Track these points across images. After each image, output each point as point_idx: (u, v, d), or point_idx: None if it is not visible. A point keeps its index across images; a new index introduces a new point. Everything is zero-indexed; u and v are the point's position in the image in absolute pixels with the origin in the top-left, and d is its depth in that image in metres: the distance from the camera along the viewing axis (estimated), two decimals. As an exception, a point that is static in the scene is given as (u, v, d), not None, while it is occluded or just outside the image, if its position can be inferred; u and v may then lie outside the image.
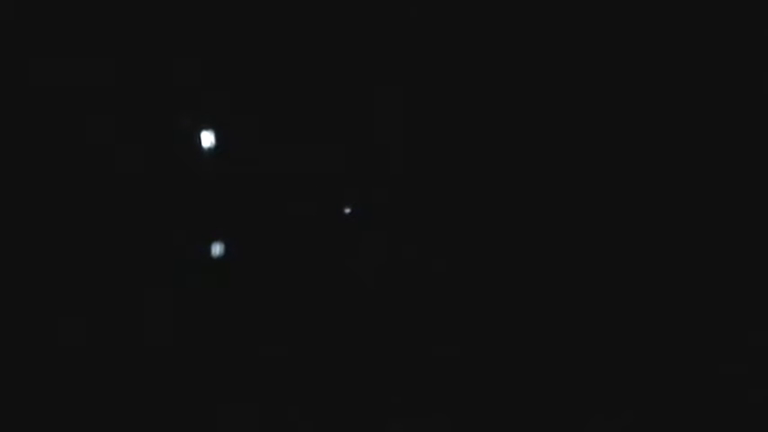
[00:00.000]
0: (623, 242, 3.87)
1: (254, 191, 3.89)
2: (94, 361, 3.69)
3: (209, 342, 3.78)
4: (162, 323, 3.76)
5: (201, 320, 3.80)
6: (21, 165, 3.74)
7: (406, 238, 3.90)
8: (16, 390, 3.63)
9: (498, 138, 3.94)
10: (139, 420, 3.66)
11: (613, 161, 3.90)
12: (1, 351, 3.66)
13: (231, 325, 3.81)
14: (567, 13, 3.91)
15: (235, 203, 3.89)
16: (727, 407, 3.67)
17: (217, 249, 3.84)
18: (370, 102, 3.94)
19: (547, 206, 3.91)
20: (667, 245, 3.85)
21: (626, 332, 3.80)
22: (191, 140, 3.85)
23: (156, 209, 3.81)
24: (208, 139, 3.86)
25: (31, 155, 3.75)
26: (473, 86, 3.94)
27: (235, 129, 3.89)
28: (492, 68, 3.94)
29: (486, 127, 3.94)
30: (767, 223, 3.83)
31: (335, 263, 3.89)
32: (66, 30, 3.77)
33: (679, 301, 3.81)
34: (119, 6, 3.78)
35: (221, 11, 3.85)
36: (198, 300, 3.81)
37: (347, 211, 3.91)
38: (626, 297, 3.83)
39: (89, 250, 3.75)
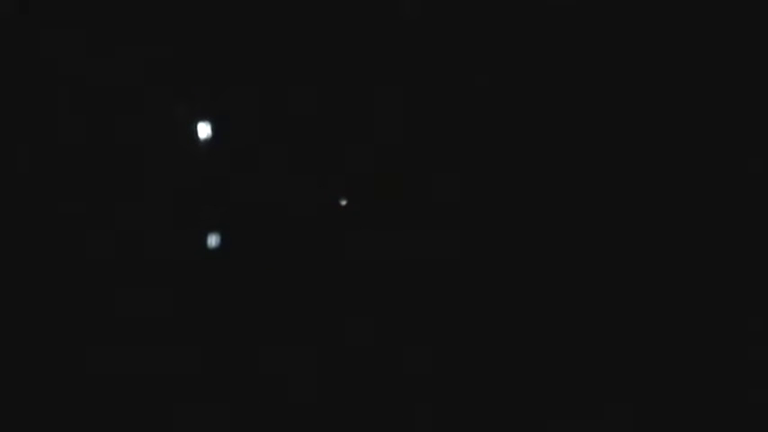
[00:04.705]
0: (623, 242, 3.87)
1: (250, 184, 3.89)
2: (92, 359, 3.70)
3: (207, 339, 3.78)
4: (158, 320, 3.76)
5: (198, 317, 3.79)
6: (17, 160, 3.75)
7: (404, 235, 3.90)
8: (16, 390, 3.63)
9: (499, 137, 3.94)
10: (138, 420, 3.66)
11: (613, 161, 3.91)
12: (1, 351, 3.67)
13: (228, 322, 3.81)
14: (567, 14, 3.91)
15: (231, 196, 3.88)
16: (727, 407, 3.67)
17: (213, 242, 3.84)
18: (370, 101, 3.94)
19: (547, 206, 3.91)
20: (668, 245, 3.85)
21: (626, 332, 3.80)
22: (186, 132, 3.85)
23: (151, 201, 3.81)
24: (204, 130, 3.86)
25: (26, 149, 3.76)
26: (473, 86, 3.94)
27: (231, 121, 3.89)
28: (492, 68, 3.94)
29: (487, 127, 3.94)
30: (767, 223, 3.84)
31: (332, 259, 3.89)
32: (64, 27, 3.77)
33: (679, 302, 3.81)
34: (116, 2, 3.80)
35: (220, 6, 3.86)
36: (194, 295, 3.81)
37: (343, 204, 3.91)
38: (626, 297, 3.83)
39: (85, 244, 3.75)
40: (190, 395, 3.71)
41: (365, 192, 3.93)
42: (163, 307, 3.76)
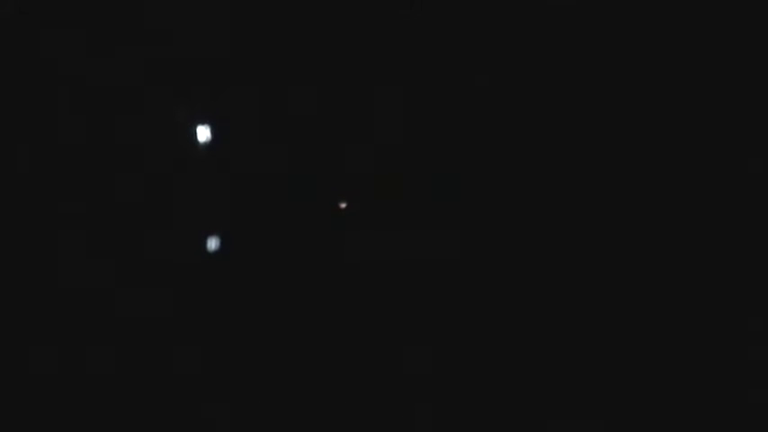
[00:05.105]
0: (623, 242, 3.87)
1: (249, 186, 3.89)
2: (92, 359, 3.70)
3: (208, 340, 3.78)
4: (158, 320, 3.76)
5: (198, 318, 3.79)
6: (17, 160, 3.75)
7: (404, 235, 3.90)
8: (16, 390, 3.63)
9: (499, 137, 3.94)
10: (138, 421, 3.66)
11: (614, 161, 3.91)
12: (1, 351, 3.67)
13: (228, 322, 3.81)
14: (567, 14, 3.91)
15: (230, 199, 3.89)
16: (727, 407, 3.67)
17: (212, 245, 3.84)
18: (370, 101, 3.94)
19: (547, 206, 3.91)
20: (668, 245, 3.85)
21: (626, 332, 3.80)
22: (186, 132, 3.85)
23: (151, 201, 3.81)
24: (203, 133, 3.86)
25: (26, 149, 3.76)
26: (473, 86, 3.94)
27: (231, 121, 3.89)
28: (492, 68, 3.94)
29: (487, 127, 3.94)
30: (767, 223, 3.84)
31: (332, 259, 3.89)
32: (64, 27, 3.77)
33: (679, 302, 3.81)
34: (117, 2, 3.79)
35: (221, 7, 3.86)
36: (195, 296, 3.81)
37: (343, 206, 3.91)
38: (626, 297, 3.83)
39: (85, 244, 3.75)
40: (190, 395, 3.71)
41: (365, 192, 3.93)
42: (163, 307, 3.76)
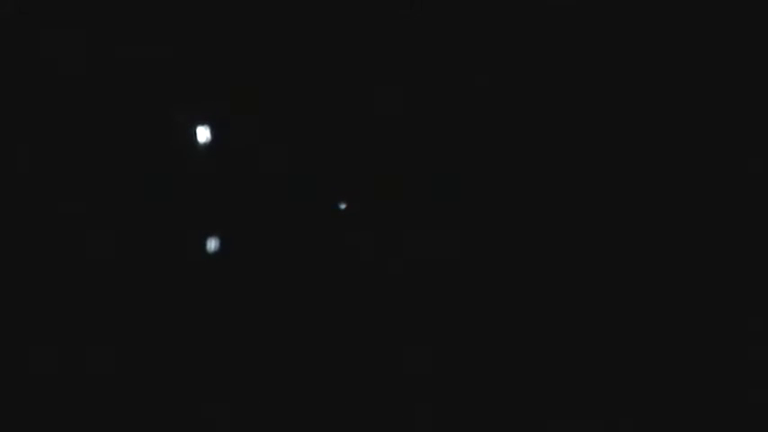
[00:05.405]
0: (623, 242, 3.87)
1: (249, 187, 3.89)
2: (92, 359, 3.69)
3: (207, 340, 3.78)
4: (158, 320, 3.76)
5: (198, 319, 3.79)
6: (17, 160, 3.75)
7: (404, 235, 3.90)
8: (16, 390, 3.63)
9: (499, 137, 3.94)
10: (138, 421, 3.66)
11: (614, 161, 3.91)
12: (1, 351, 3.67)
13: (228, 322, 3.81)
14: (567, 14, 3.91)
15: (230, 200, 3.88)
16: (727, 407, 3.67)
17: (212, 246, 3.84)
18: (370, 101, 3.93)
19: (547, 206, 3.91)
20: (668, 245, 3.85)
21: (626, 332, 3.80)
22: (186, 133, 3.85)
23: (151, 202, 3.81)
24: (203, 134, 3.86)
25: (26, 149, 3.76)
26: (473, 86, 3.94)
27: (231, 122, 3.89)
28: (492, 68, 3.94)
29: (487, 127, 3.94)
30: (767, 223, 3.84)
31: (332, 260, 3.89)
32: (64, 27, 3.77)
33: (679, 302, 3.81)
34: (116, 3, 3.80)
35: (220, 7, 3.86)
36: (194, 297, 3.81)
37: (343, 207, 3.91)
38: (626, 297, 3.83)
39: (85, 244, 3.75)
40: (190, 395, 3.71)
41: (365, 192, 3.93)
42: (163, 308, 3.76)
